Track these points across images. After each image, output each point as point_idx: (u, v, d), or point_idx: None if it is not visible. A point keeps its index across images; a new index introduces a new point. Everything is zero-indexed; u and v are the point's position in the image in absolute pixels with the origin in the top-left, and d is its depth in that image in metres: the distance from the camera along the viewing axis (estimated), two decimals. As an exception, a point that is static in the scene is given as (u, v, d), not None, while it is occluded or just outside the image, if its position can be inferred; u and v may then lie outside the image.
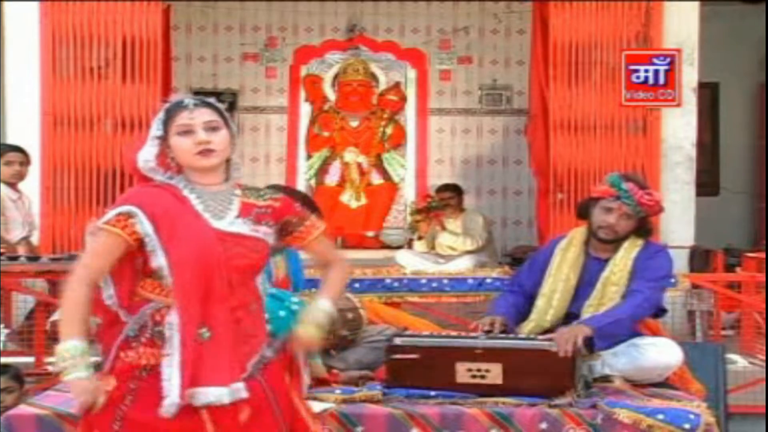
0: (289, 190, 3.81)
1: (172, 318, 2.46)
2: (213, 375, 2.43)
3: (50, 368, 5.50)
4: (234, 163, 2.62)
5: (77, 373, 2.54)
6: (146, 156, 2.56)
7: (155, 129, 2.57)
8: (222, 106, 2.62)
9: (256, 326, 2.56)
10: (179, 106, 2.56)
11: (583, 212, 3.88)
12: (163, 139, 2.55)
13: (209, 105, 2.58)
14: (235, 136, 2.62)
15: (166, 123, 2.55)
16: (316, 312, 2.66)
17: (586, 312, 3.69)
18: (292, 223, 2.64)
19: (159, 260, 2.47)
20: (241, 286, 2.52)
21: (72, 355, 2.58)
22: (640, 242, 3.80)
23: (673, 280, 4.89)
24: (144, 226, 2.48)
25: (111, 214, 2.50)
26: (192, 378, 2.42)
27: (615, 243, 3.78)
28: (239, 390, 2.45)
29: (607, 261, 3.77)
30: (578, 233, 3.89)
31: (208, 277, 2.45)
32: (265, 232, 2.57)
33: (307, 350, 2.74)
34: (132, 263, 2.53)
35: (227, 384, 2.43)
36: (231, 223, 2.53)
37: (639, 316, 3.68)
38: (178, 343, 2.43)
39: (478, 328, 3.67)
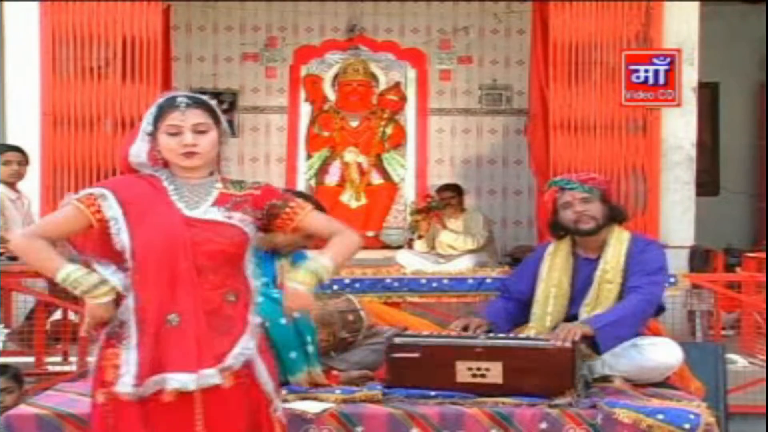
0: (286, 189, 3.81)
1: (129, 301, 2.52)
2: (180, 360, 2.46)
3: (50, 368, 5.51)
4: (223, 158, 2.68)
5: (98, 300, 2.53)
6: (137, 151, 2.63)
7: (146, 125, 2.62)
8: (214, 104, 2.66)
9: (238, 316, 2.56)
10: (171, 105, 2.59)
11: (557, 231, 3.89)
12: (153, 136, 2.61)
13: (201, 104, 2.62)
14: (226, 134, 2.68)
15: (157, 119, 2.60)
16: (313, 264, 2.62)
17: (584, 312, 3.69)
18: (277, 205, 2.64)
19: (123, 242, 2.53)
20: (214, 274, 2.53)
21: (84, 280, 2.54)
22: (626, 236, 3.80)
23: (673, 280, 4.89)
24: (113, 209, 2.55)
25: (83, 192, 2.61)
26: (158, 363, 2.46)
27: (601, 234, 3.76)
28: (209, 377, 2.46)
29: (597, 260, 3.77)
30: (565, 238, 3.90)
31: (173, 262, 2.49)
32: (241, 219, 2.59)
33: (299, 309, 2.70)
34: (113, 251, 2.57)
35: (194, 370, 2.45)
36: (205, 211, 2.58)
37: (644, 313, 3.65)
38: (135, 326, 2.49)
39: (460, 327, 3.69)
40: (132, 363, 2.48)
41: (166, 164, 2.63)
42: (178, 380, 2.45)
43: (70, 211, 2.60)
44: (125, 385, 2.48)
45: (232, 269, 2.58)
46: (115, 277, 2.56)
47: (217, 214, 2.57)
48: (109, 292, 2.53)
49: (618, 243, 3.77)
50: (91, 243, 2.61)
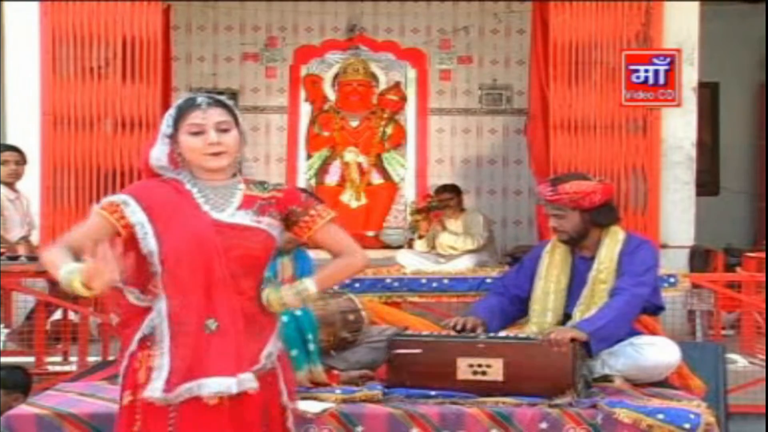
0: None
1: (161, 306, 2.48)
2: (220, 365, 2.43)
3: (50, 368, 5.51)
4: (244, 159, 2.64)
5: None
6: (158, 154, 2.58)
7: (165, 127, 2.57)
8: (233, 104, 2.63)
9: (268, 319, 2.56)
10: (192, 105, 2.55)
11: None
12: (173, 137, 2.56)
13: (221, 104, 2.58)
14: (245, 134, 2.63)
15: (177, 121, 2.55)
16: (295, 286, 2.58)
17: (578, 312, 3.70)
18: (297, 212, 2.58)
19: (150, 246, 2.48)
20: (245, 278, 2.51)
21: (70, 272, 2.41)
22: (621, 236, 3.80)
23: (673, 279, 4.88)
24: (136, 215, 2.50)
25: (105, 200, 2.56)
26: (193, 369, 2.43)
27: (593, 234, 3.78)
28: (247, 381, 2.44)
29: (592, 259, 3.78)
30: None
31: (208, 268, 2.46)
32: (269, 224, 2.55)
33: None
34: (143, 260, 2.53)
35: (234, 374, 2.43)
36: (232, 215, 2.53)
37: (631, 314, 3.67)
38: (167, 331, 2.46)
39: (452, 324, 3.69)
40: (164, 368, 2.44)
41: (185, 166, 2.58)
42: (218, 384, 2.42)
43: (94, 220, 2.53)
44: (155, 390, 2.43)
45: (261, 272, 2.56)
46: (135, 299, 2.53)
47: (245, 218, 2.53)
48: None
49: (612, 243, 3.78)
50: (129, 265, 2.53)
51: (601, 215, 3.79)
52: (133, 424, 2.49)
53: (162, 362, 2.45)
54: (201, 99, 2.56)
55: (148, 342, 2.50)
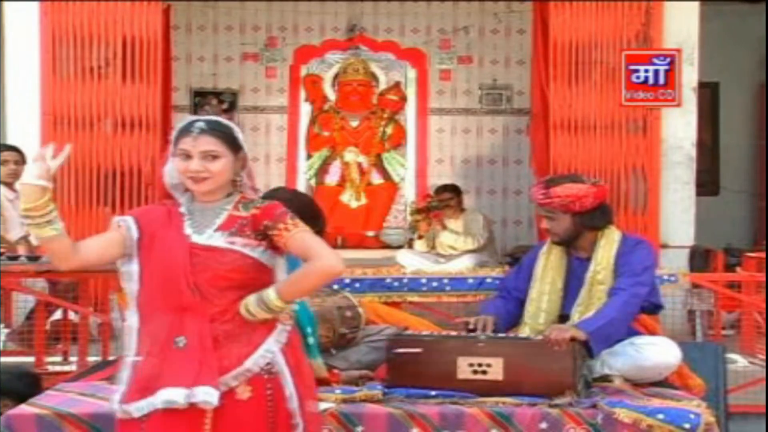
0: (291, 194, 3.80)
1: (132, 321, 2.59)
2: (178, 377, 2.48)
3: (50, 368, 5.51)
4: (242, 181, 2.68)
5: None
6: (170, 172, 2.68)
7: (172, 146, 2.67)
8: (233, 129, 2.69)
9: (258, 326, 2.57)
10: (186, 130, 2.63)
11: None
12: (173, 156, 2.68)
13: (216, 132, 2.63)
14: (246, 159, 2.69)
15: (176, 140, 2.65)
16: (256, 295, 2.57)
17: (576, 313, 3.70)
18: (268, 227, 2.60)
19: (131, 267, 2.61)
20: (221, 297, 2.55)
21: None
22: (616, 236, 3.80)
23: (673, 279, 4.88)
24: (131, 231, 2.62)
25: (116, 218, 2.71)
26: (157, 381, 2.50)
27: (589, 236, 3.78)
28: (204, 394, 2.46)
29: (589, 260, 3.78)
30: None
31: (177, 289, 2.53)
32: (244, 244, 2.58)
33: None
34: None
35: (188, 386, 2.47)
36: (209, 237, 2.60)
37: (630, 314, 3.68)
38: (135, 347, 2.56)
39: (467, 324, 3.69)
40: (124, 382, 2.55)
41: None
42: (168, 394, 2.47)
43: (109, 230, 2.69)
44: (113, 402, 2.57)
45: (243, 289, 2.58)
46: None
47: (219, 240, 2.58)
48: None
49: (608, 244, 3.78)
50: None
51: (593, 218, 3.79)
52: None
53: (123, 375, 2.56)
54: (196, 126, 2.63)
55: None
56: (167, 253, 2.57)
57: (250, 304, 2.55)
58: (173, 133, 2.67)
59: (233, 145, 2.65)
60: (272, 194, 3.48)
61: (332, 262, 2.57)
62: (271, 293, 2.55)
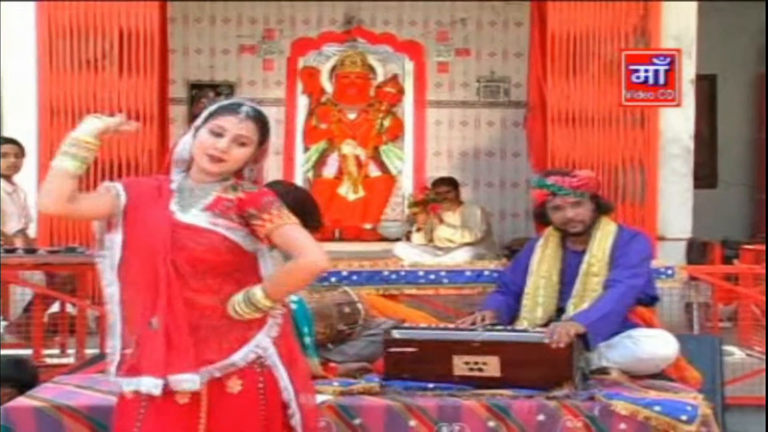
0: (288, 188, 3.80)
1: (113, 292, 2.56)
2: (151, 365, 2.46)
3: (48, 360, 5.51)
4: (247, 171, 2.67)
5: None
6: (182, 147, 2.64)
7: (200, 120, 2.62)
8: (269, 124, 2.70)
9: (242, 331, 2.54)
10: (233, 109, 2.60)
11: (542, 220, 3.93)
12: (198, 129, 2.61)
13: (258, 121, 2.63)
14: (265, 153, 2.70)
15: (211, 116, 2.60)
16: (243, 294, 2.54)
17: (572, 306, 3.70)
18: (252, 215, 2.55)
19: (115, 235, 2.57)
20: (197, 279, 2.51)
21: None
22: (612, 228, 3.81)
23: (670, 272, 4.89)
24: (120, 198, 2.59)
25: (105, 183, 2.69)
26: (138, 365, 2.48)
27: (587, 231, 3.79)
28: (182, 381, 2.45)
29: (584, 252, 3.78)
30: (554, 230, 3.91)
31: (153, 266, 2.49)
32: (227, 227, 2.54)
33: None
34: None
35: (160, 375, 2.45)
36: (195, 215, 2.56)
37: (626, 306, 3.68)
38: (120, 320, 2.54)
39: (469, 321, 3.69)
40: (117, 351, 2.55)
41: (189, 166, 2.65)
42: (145, 384, 2.46)
43: (99, 190, 2.65)
44: (110, 373, 2.56)
45: (229, 275, 2.54)
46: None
47: (202, 219, 2.54)
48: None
49: (604, 236, 3.78)
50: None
51: (603, 205, 3.84)
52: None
53: (114, 344, 2.54)
54: (243, 108, 2.61)
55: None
56: (149, 228, 2.53)
57: (238, 303, 2.53)
58: (211, 107, 2.63)
59: (262, 138, 2.65)
60: (270, 187, 3.46)
61: (316, 258, 2.50)
62: (258, 292, 2.52)
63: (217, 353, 2.50)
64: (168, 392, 2.47)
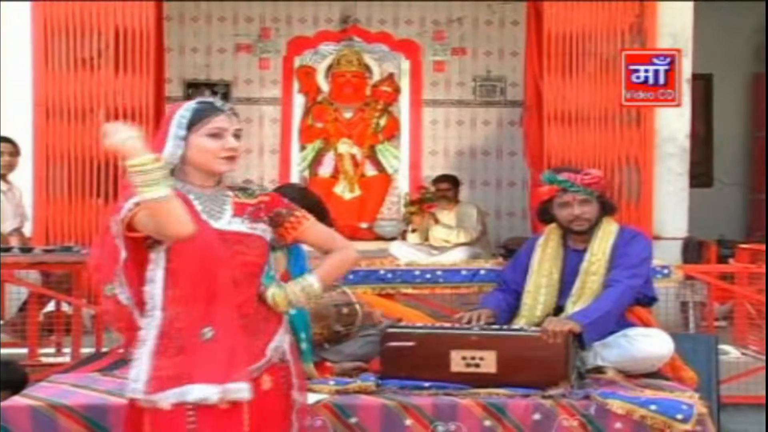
0: (299, 190, 3.79)
1: (156, 314, 2.46)
2: (208, 373, 2.42)
3: (44, 359, 5.50)
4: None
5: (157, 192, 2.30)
6: (171, 157, 2.51)
7: (179, 128, 2.53)
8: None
9: (272, 313, 2.57)
10: (215, 109, 2.56)
11: (545, 216, 3.92)
12: (184, 139, 2.54)
13: (235, 113, 2.62)
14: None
15: (194, 123, 2.53)
16: (299, 282, 2.58)
17: (570, 304, 3.70)
18: (282, 214, 2.61)
19: (159, 251, 2.46)
20: (245, 285, 2.52)
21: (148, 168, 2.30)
22: (614, 228, 3.81)
23: (666, 271, 4.89)
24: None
25: (130, 203, 2.42)
26: (185, 375, 2.42)
27: (590, 230, 3.79)
28: (236, 391, 2.42)
29: (585, 251, 3.79)
30: (555, 228, 3.91)
31: (212, 277, 2.45)
32: (263, 229, 2.58)
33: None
34: (139, 264, 2.51)
35: (221, 382, 2.41)
36: (229, 222, 2.54)
37: (624, 306, 3.68)
38: (155, 337, 2.45)
39: (465, 320, 3.69)
40: (144, 371, 2.43)
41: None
42: (201, 391, 2.41)
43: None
44: (137, 392, 2.44)
45: (260, 277, 2.58)
46: (123, 296, 2.51)
47: (242, 226, 2.54)
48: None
49: (605, 235, 3.78)
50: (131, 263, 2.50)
51: (607, 204, 3.85)
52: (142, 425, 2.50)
53: (142, 364, 2.44)
54: (221, 104, 2.59)
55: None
56: (199, 241, 2.43)
57: (292, 293, 2.56)
58: (183, 114, 2.53)
59: None
60: (283, 190, 3.42)
61: (357, 254, 2.74)
62: (314, 282, 2.58)
63: (257, 351, 2.51)
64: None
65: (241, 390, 2.43)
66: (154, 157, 2.31)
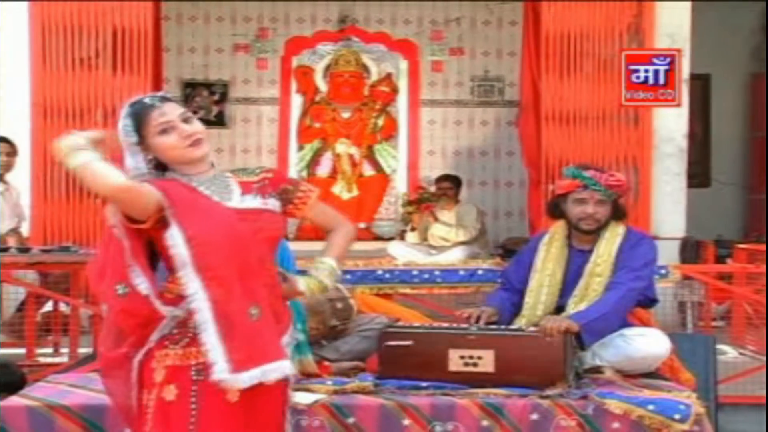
0: None
1: (198, 299, 2.37)
2: (274, 351, 2.41)
3: (41, 360, 5.50)
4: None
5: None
6: (135, 165, 2.49)
7: (128, 137, 2.50)
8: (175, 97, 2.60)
9: (285, 307, 2.55)
10: (145, 107, 2.50)
11: (555, 211, 3.91)
12: (141, 144, 2.50)
13: (170, 99, 2.55)
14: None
15: (139, 127, 2.49)
16: (322, 267, 2.58)
17: (572, 304, 3.69)
18: (289, 191, 2.58)
19: (173, 230, 2.38)
20: (269, 261, 2.50)
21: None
22: (620, 230, 3.80)
23: (664, 271, 4.90)
24: (159, 196, 2.40)
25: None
26: (257, 356, 2.37)
27: (597, 232, 3.78)
28: (285, 368, 2.43)
29: (590, 252, 3.78)
30: (559, 227, 3.90)
31: (242, 255, 2.41)
32: (274, 204, 2.55)
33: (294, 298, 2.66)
34: (144, 252, 2.45)
35: (282, 358, 2.42)
36: (241, 200, 2.50)
37: (625, 308, 3.68)
38: (212, 321, 2.36)
39: (468, 317, 3.68)
40: (220, 352, 2.35)
41: (161, 170, 2.52)
42: (280, 369, 2.40)
43: (147, 187, 2.41)
44: (222, 371, 2.35)
45: (275, 253, 2.57)
46: (143, 287, 2.43)
47: (255, 202, 2.51)
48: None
49: (612, 237, 3.77)
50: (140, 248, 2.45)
51: (619, 209, 3.84)
52: (148, 422, 2.45)
53: (214, 348, 2.35)
54: (149, 99, 2.52)
55: (166, 341, 2.45)
56: (216, 220, 2.41)
57: (325, 278, 2.56)
58: (125, 122, 2.50)
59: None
60: None
61: (354, 226, 2.72)
62: (333, 263, 2.59)
63: (280, 336, 2.48)
64: (219, 390, 2.39)
65: (276, 370, 2.40)
66: (75, 136, 2.38)
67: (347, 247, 2.68)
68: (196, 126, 2.51)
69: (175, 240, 2.38)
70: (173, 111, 2.49)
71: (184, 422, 2.40)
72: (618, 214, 3.83)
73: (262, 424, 2.48)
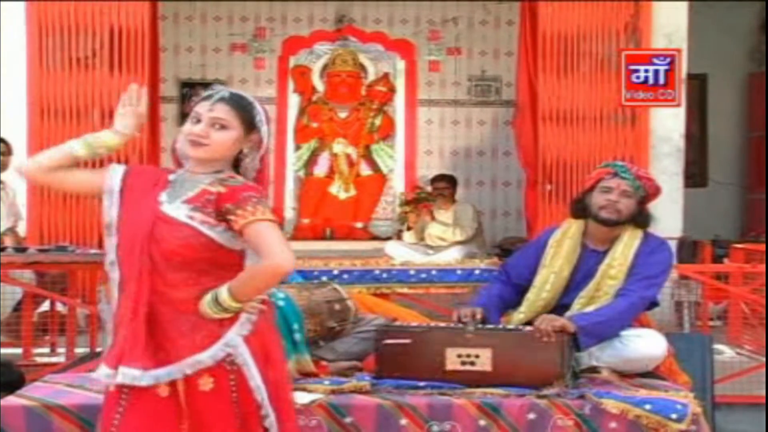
0: None
1: (114, 275, 2.53)
2: (134, 355, 2.45)
3: (38, 359, 5.49)
4: (246, 163, 2.63)
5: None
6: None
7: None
8: (253, 107, 2.62)
9: (214, 328, 2.49)
10: (208, 96, 2.61)
11: (578, 207, 3.83)
12: None
13: (233, 103, 2.59)
14: (259, 143, 2.64)
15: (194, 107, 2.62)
16: (212, 296, 2.47)
17: (578, 304, 3.65)
18: (228, 209, 2.48)
19: (111, 217, 2.56)
20: (174, 273, 2.47)
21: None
22: (639, 234, 3.73)
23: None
24: (113, 180, 2.60)
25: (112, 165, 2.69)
26: (122, 356, 2.46)
27: (615, 229, 3.71)
28: (123, 375, 2.44)
29: (605, 253, 3.72)
30: (574, 225, 3.82)
31: (137, 256, 2.48)
32: (202, 221, 2.48)
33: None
34: None
35: (146, 368, 2.44)
36: (176, 207, 2.52)
37: (631, 317, 3.64)
38: (117, 307, 2.50)
39: (459, 318, 3.67)
40: (107, 348, 2.53)
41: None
42: (126, 375, 2.44)
43: (100, 171, 2.67)
44: (101, 374, 2.50)
45: (207, 272, 2.49)
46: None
47: (181, 212, 2.50)
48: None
49: (630, 240, 3.70)
50: None
51: (643, 215, 3.77)
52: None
53: (106, 341, 2.55)
54: (217, 93, 2.60)
55: None
56: (135, 216, 2.52)
57: (207, 303, 2.47)
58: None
59: (248, 122, 2.59)
60: None
61: (280, 262, 2.42)
62: (224, 292, 2.46)
63: (190, 349, 2.47)
64: (148, 385, 2.46)
65: (125, 375, 2.43)
66: (109, 142, 2.76)
67: (258, 281, 2.48)
68: (218, 135, 2.55)
69: (110, 226, 2.56)
70: (213, 112, 2.57)
71: (112, 413, 2.49)
72: (641, 220, 3.76)
73: (204, 417, 2.49)
